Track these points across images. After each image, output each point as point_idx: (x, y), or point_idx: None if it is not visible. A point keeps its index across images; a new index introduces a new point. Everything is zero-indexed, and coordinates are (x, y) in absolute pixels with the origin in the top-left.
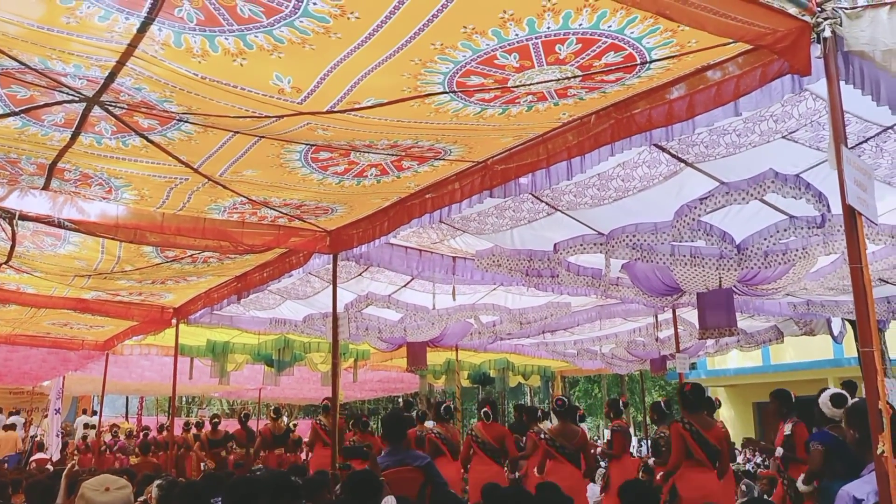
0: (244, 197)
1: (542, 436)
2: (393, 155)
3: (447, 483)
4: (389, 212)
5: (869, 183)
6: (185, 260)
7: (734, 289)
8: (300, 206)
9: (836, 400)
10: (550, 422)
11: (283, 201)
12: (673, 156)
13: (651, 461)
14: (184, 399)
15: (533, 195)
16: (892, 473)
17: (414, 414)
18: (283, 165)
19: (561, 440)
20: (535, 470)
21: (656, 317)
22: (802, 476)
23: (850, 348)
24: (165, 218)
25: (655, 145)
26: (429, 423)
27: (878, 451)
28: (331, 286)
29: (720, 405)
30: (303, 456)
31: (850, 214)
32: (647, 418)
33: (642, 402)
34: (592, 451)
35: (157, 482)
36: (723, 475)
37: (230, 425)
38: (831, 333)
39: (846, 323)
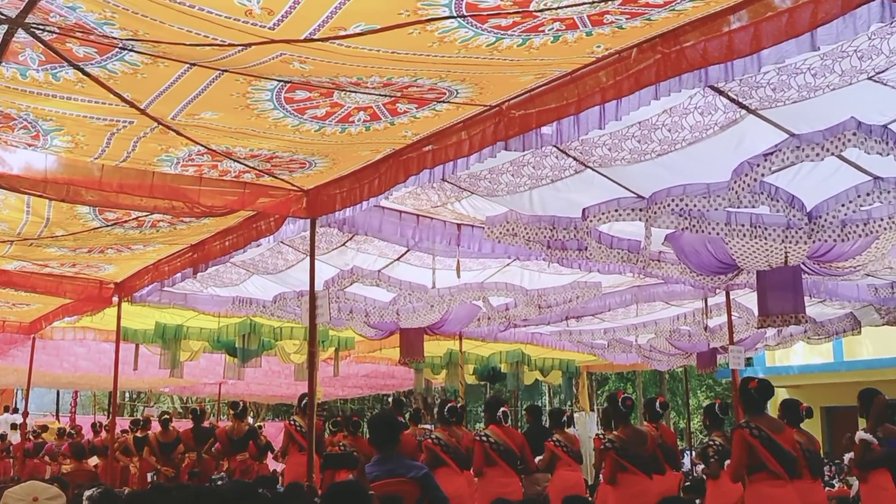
0: (202, 146)
1: (609, 443)
2: (386, 96)
3: (447, 498)
4: (380, 167)
5: None
6: (130, 224)
7: (803, 267)
8: (271, 158)
9: None
10: (575, 428)
11: (250, 152)
12: (732, 100)
13: (700, 471)
14: (127, 395)
15: (558, 148)
16: None
17: (407, 415)
18: (250, 107)
19: (633, 447)
20: (606, 481)
21: (706, 301)
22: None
23: None
24: (105, 171)
25: (710, 87)
26: (426, 426)
27: None
28: (307, 259)
29: (810, 415)
30: (271, 465)
31: None
32: (691, 424)
33: (686, 405)
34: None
35: (88, 493)
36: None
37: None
38: None
39: None
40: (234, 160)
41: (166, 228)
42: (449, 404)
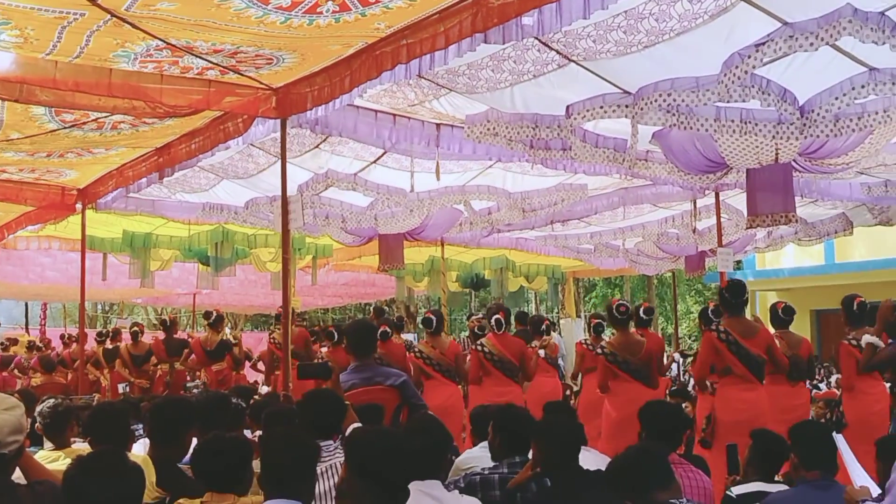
0: (160, 40)
1: (601, 350)
2: None
3: (427, 406)
4: (353, 63)
5: None
6: (89, 125)
7: (794, 164)
8: (235, 53)
9: None
10: (560, 334)
11: (213, 47)
12: None
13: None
14: (99, 307)
15: (539, 40)
16: None
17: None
18: None
19: (624, 354)
20: (599, 389)
21: (694, 202)
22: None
23: None
24: (59, 69)
25: None
26: (407, 337)
27: None
28: (279, 162)
29: (791, 314)
30: (251, 376)
31: None
32: (679, 330)
33: (674, 310)
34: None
35: (46, 401)
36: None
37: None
38: None
39: None
40: (196, 56)
41: (128, 130)
42: (431, 312)
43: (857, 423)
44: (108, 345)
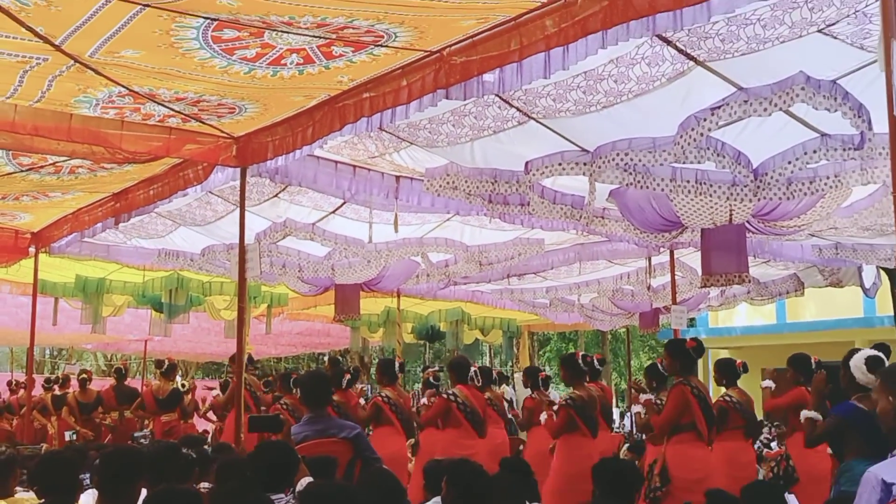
0: (123, 87)
1: (569, 401)
2: (320, 38)
3: (381, 459)
4: (315, 114)
5: None
6: (46, 169)
7: (747, 225)
8: (198, 101)
9: (873, 363)
10: (512, 387)
11: (175, 95)
12: (680, 51)
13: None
14: (47, 352)
15: (500, 98)
16: None
17: (349, 374)
18: (174, 46)
19: (587, 408)
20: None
21: (649, 260)
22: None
23: (883, 304)
24: (19, 112)
25: (658, 36)
26: (362, 386)
27: None
28: (237, 210)
29: (746, 370)
30: (201, 425)
31: None
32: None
33: (627, 365)
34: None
35: None
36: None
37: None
38: (862, 285)
39: (881, 273)
40: (158, 103)
41: (86, 175)
42: (398, 362)
43: (808, 479)
44: (57, 391)
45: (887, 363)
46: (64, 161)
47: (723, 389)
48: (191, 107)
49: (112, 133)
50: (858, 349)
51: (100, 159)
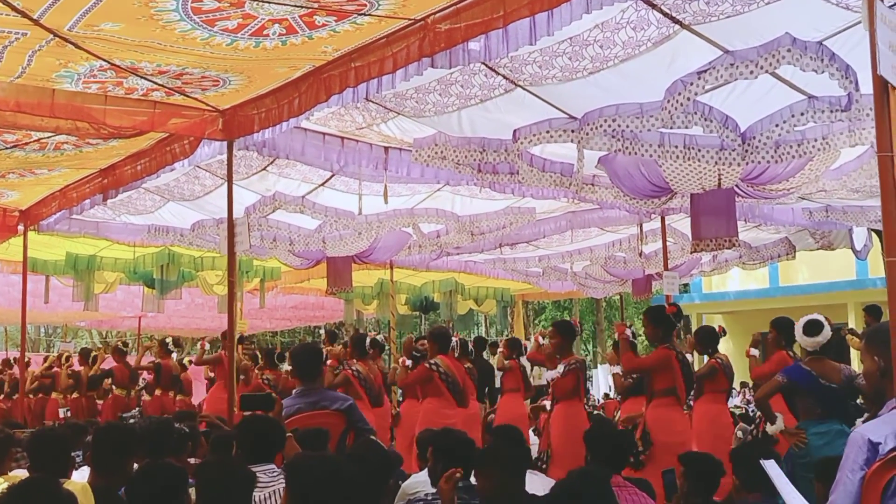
0: (104, 61)
1: (574, 364)
2: (302, 7)
3: (374, 430)
4: (300, 85)
5: None
6: (31, 146)
7: (736, 189)
8: (181, 74)
9: (811, 328)
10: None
11: (158, 68)
12: (665, 14)
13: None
14: (42, 330)
15: (486, 65)
16: None
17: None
18: (154, 18)
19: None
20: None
21: (641, 226)
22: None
23: (875, 266)
24: (1, 88)
25: (643, 0)
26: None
27: None
28: (225, 184)
29: (724, 334)
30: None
31: (882, 89)
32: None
33: None
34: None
35: None
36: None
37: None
38: (853, 247)
39: (872, 234)
40: (141, 77)
41: (72, 151)
42: (370, 337)
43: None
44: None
45: (826, 328)
46: (48, 137)
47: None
48: (174, 80)
49: (95, 108)
50: (806, 317)
51: (84, 135)
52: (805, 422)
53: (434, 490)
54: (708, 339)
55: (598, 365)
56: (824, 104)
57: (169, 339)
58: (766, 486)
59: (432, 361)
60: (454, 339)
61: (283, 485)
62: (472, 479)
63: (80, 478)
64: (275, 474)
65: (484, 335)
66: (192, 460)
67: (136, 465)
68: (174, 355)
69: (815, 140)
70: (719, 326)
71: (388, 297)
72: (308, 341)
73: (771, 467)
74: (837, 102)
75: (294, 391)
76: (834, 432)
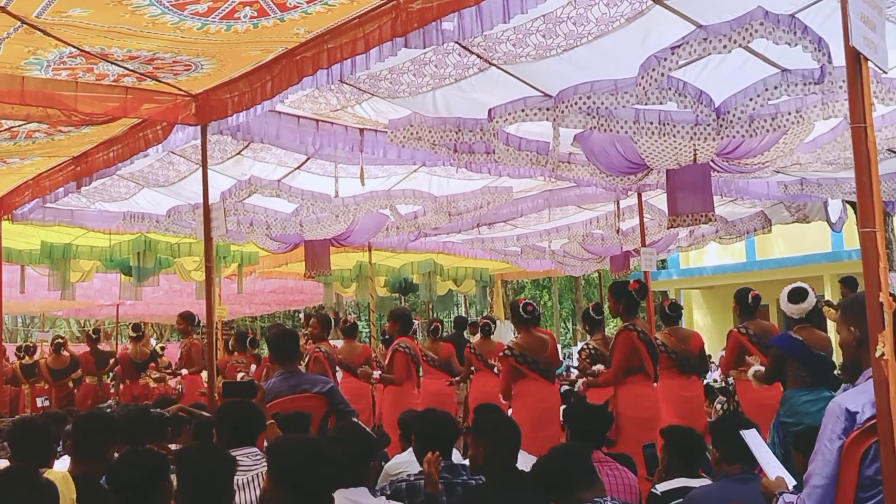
0: (74, 47)
1: (507, 351)
2: None
3: (356, 412)
4: (273, 68)
5: (879, 20)
6: (2, 135)
7: (712, 165)
8: (152, 59)
9: (795, 295)
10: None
11: (128, 53)
12: None
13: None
14: (19, 320)
15: (460, 45)
16: (892, 380)
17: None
18: (123, 3)
19: (532, 354)
20: (501, 395)
21: (618, 203)
22: (755, 369)
23: (850, 238)
24: None
25: None
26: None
27: (877, 354)
28: (200, 169)
29: (679, 310)
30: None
31: (855, 60)
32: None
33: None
34: None
35: None
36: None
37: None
38: (828, 220)
39: (847, 206)
40: (112, 62)
41: (44, 139)
42: (343, 320)
43: (756, 408)
44: (27, 360)
45: (810, 295)
46: (20, 125)
47: None
48: (145, 65)
49: (66, 95)
50: (790, 285)
51: (56, 122)
52: (794, 390)
53: (417, 471)
54: (665, 315)
55: (578, 342)
56: (797, 77)
57: (137, 323)
58: (747, 458)
59: (402, 345)
60: (416, 321)
61: (265, 468)
62: (454, 458)
63: (61, 467)
64: (257, 458)
65: (464, 315)
66: (172, 446)
67: (115, 454)
68: (153, 341)
69: (789, 113)
70: (667, 301)
71: (367, 279)
72: (282, 325)
73: (751, 437)
74: (811, 75)
75: (274, 375)
76: (824, 399)
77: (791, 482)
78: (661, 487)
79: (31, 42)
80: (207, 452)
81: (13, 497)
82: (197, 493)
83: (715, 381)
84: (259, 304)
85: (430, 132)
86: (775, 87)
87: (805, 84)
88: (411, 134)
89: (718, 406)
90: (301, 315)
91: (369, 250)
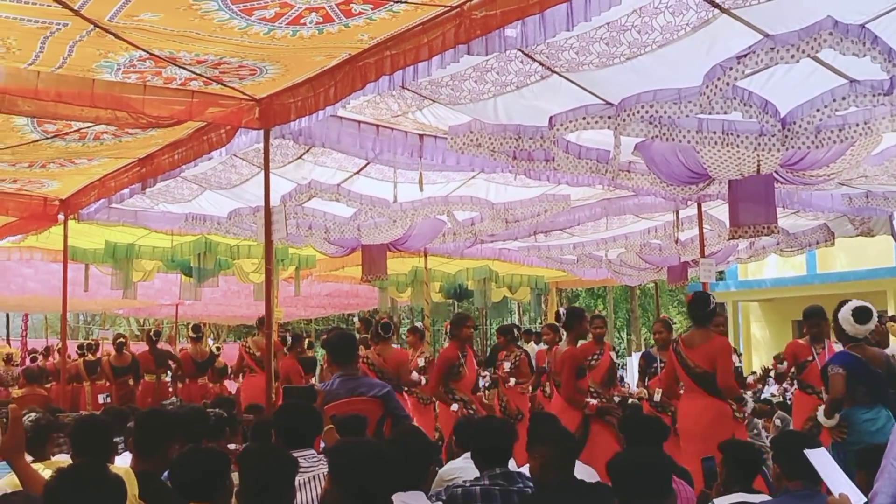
0: (144, 51)
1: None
2: None
3: (410, 417)
4: (336, 74)
5: None
6: (71, 136)
7: (776, 176)
8: (218, 64)
9: (860, 315)
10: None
11: (196, 57)
12: None
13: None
14: (81, 317)
15: (523, 52)
16: None
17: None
18: (192, 8)
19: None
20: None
21: (677, 213)
22: (822, 408)
23: None
24: (42, 79)
25: None
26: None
27: None
28: (262, 172)
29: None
30: (230, 387)
31: None
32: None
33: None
34: None
35: (29, 414)
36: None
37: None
38: (893, 233)
39: None
40: (179, 66)
41: (111, 141)
42: (383, 321)
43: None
44: (90, 357)
45: (875, 315)
46: (88, 127)
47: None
48: (212, 69)
49: (135, 98)
50: (847, 300)
51: (123, 124)
52: (853, 408)
53: (473, 477)
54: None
55: (633, 353)
56: (866, 88)
57: (197, 324)
58: (809, 475)
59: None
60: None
61: (323, 470)
62: (511, 466)
63: (122, 463)
64: (314, 459)
65: (517, 323)
66: (231, 446)
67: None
68: (210, 340)
69: (857, 125)
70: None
71: (422, 284)
72: (340, 328)
73: (818, 456)
74: (880, 86)
75: (332, 378)
76: (883, 417)
77: (860, 499)
78: (720, 502)
79: (102, 45)
80: (271, 453)
81: (84, 491)
82: (260, 492)
83: (773, 395)
84: (315, 307)
85: (489, 139)
86: (843, 98)
87: (874, 95)
88: (471, 140)
89: (778, 422)
90: (356, 318)
91: (425, 256)
